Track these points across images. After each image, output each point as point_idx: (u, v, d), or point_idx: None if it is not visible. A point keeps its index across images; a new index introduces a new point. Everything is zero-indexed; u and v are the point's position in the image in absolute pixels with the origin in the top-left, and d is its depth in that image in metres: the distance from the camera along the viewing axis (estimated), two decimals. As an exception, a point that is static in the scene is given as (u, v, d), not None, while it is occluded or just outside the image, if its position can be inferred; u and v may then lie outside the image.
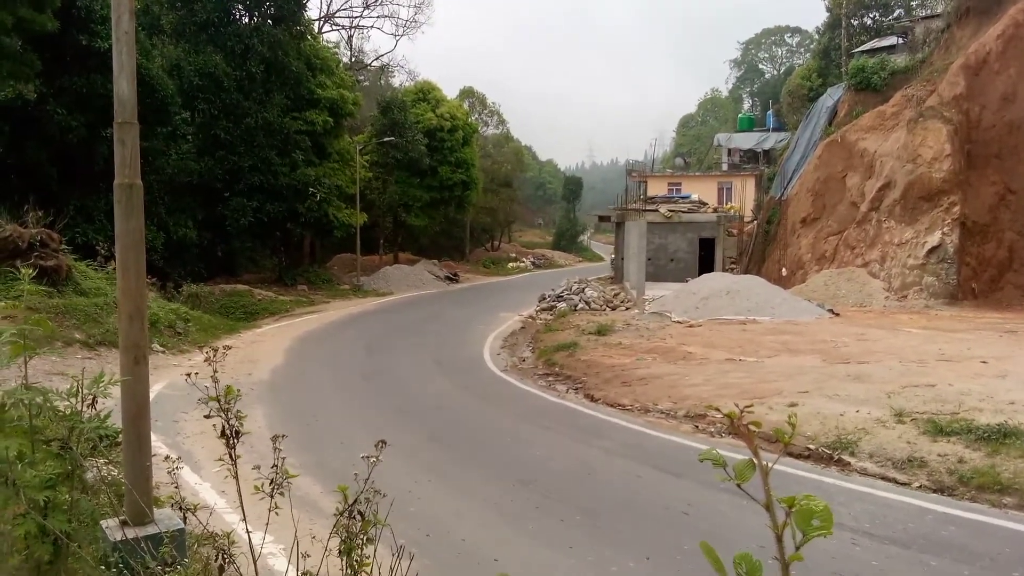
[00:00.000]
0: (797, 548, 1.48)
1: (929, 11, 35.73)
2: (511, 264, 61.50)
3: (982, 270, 24.19)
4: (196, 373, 3.22)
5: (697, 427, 10.61)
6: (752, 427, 1.58)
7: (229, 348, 3.48)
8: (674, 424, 10.92)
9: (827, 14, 45.21)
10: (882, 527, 6.63)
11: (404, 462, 8.64)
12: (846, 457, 8.63)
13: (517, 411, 12.27)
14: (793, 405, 10.24)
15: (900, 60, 31.36)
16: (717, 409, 1.66)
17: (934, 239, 24.05)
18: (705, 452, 1.57)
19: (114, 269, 16.77)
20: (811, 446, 8.97)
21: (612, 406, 12.20)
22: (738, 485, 1.56)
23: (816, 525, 1.47)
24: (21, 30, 19.80)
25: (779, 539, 1.52)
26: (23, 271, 3.75)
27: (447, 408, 12.58)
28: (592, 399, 12.88)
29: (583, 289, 28.46)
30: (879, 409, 9.91)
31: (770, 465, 1.57)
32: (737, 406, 1.63)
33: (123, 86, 4.08)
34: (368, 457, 2.91)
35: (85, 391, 3.59)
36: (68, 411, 3.66)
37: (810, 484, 7.67)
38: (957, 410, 9.54)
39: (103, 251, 18.23)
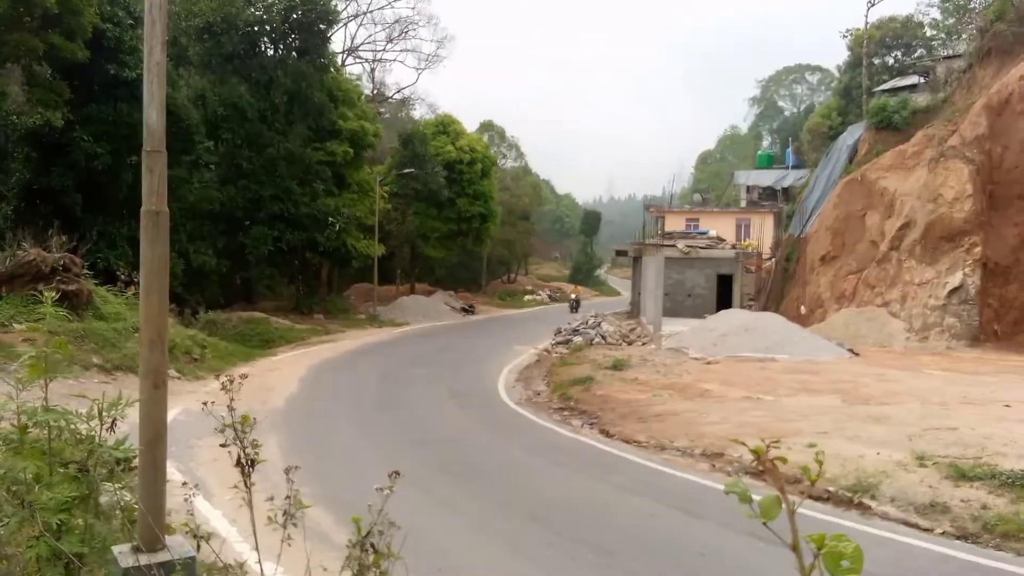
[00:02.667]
0: (825, 592, 1.44)
1: (951, 51, 35.75)
2: (527, 297, 61.49)
3: (1004, 312, 23.88)
4: (213, 402, 3.21)
5: (714, 466, 10.47)
6: (779, 462, 1.54)
7: (245, 376, 3.48)
8: (690, 462, 10.77)
9: (848, 53, 45.36)
10: (904, 574, 6.47)
11: (416, 495, 8.56)
12: (867, 500, 8.46)
13: (531, 445, 12.17)
14: (812, 446, 10.07)
15: (922, 99, 31.34)
16: (743, 443, 1.62)
17: (955, 280, 23.81)
18: (731, 484, 1.53)
19: (134, 294, 16.96)
20: (831, 488, 8.81)
21: (627, 442, 12.07)
22: (764, 524, 1.52)
23: (846, 567, 1.42)
24: (52, 58, 20.29)
25: (806, 583, 1.48)
26: (46, 295, 3.78)
27: (461, 441, 12.50)
28: (607, 435, 12.75)
29: (599, 323, 28.37)
30: (900, 452, 9.73)
31: (797, 504, 1.53)
32: (764, 441, 1.59)
33: (152, 116, 4.13)
34: (382, 488, 2.88)
35: (104, 414, 3.59)
36: (87, 434, 3.66)
37: (830, 527, 7.51)
38: (980, 454, 9.35)
39: (124, 276, 18.43)
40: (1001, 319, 23.84)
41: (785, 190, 48.70)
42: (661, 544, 7.40)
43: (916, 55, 41.07)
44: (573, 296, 47.59)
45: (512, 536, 7.57)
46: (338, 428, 13.20)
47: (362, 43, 51.73)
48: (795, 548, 1.49)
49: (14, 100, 23.07)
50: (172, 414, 12.53)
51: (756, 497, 1.52)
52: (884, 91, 35.47)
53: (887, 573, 6.43)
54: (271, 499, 2.88)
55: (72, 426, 3.68)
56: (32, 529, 3.41)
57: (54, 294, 3.80)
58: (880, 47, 42.02)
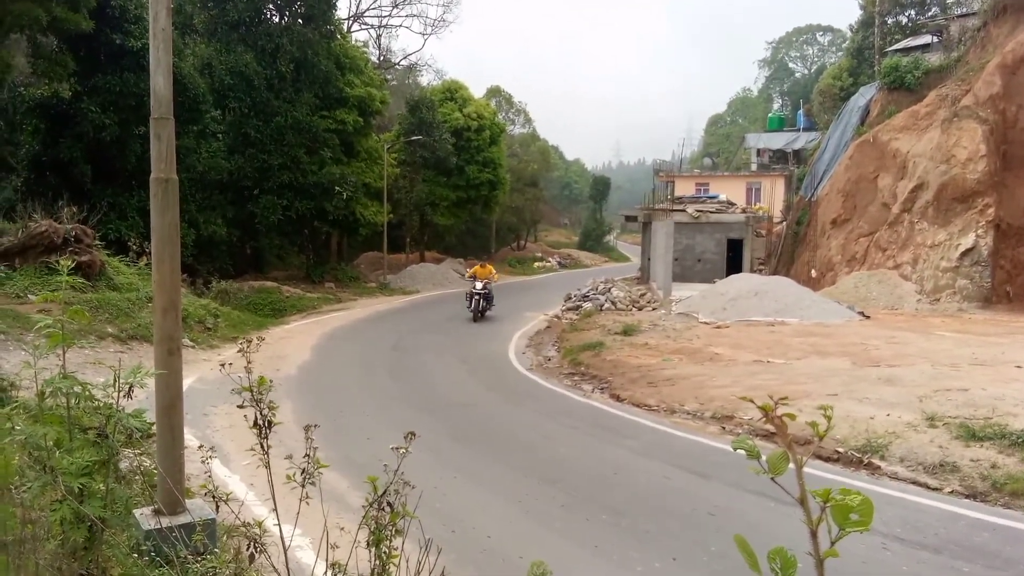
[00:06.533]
0: (833, 543, 1.47)
1: (965, 9, 35.09)
2: (537, 264, 61.44)
3: (1017, 273, 23.74)
4: (230, 364, 3.26)
5: (724, 428, 10.54)
6: (787, 418, 1.57)
7: (263, 339, 3.54)
8: (701, 425, 10.86)
9: (860, 12, 44.63)
10: (913, 532, 6.54)
11: (430, 459, 8.68)
12: (876, 461, 8.52)
13: (542, 410, 12.26)
14: (822, 408, 10.10)
15: (935, 59, 30.84)
16: (751, 400, 1.65)
17: (968, 241, 23.65)
18: (739, 440, 1.56)
19: (146, 265, 17.08)
20: (840, 449, 8.88)
21: (638, 406, 12.16)
22: (772, 479, 1.55)
23: (854, 520, 1.45)
24: (57, 29, 20.18)
25: (814, 534, 1.51)
26: (62, 263, 3.83)
27: (472, 406, 12.61)
28: (618, 399, 12.84)
29: (609, 289, 28.37)
30: (910, 413, 9.78)
31: (804, 458, 1.56)
32: (771, 398, 1.62)
33: (159, 82, 4.14)
34: (398, 448, 2.93)
35: (122, 381, 3.65)
36: (105, 400, 3.73)
37: (840, 486, 7.57)
38: (990, 415, 9.38)
39: (135, 247, 18.54)
40: (1013, 280, 23.71)
41: (796, 152, 48.30)
42: (672, 505, 7.49)
43: (930, 14, 40.35)
44: (479, 285, 24.80)
45: (525, 498, 7.68)
46: (351, 395, 13.33)
47: (367, 9, 51.31)
48: (802, 502, 1.52)
49: (21, 72, 23.04)
50: (187, 382, 12.68)
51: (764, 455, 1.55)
52: (897, 51, 34.91)
53: (896, 532, 6.50)
54: (289, 457, 2.94)
55: (89, 392, 3.75)
56: (55, 493, 3.49)
57: (69, 263, 3.84)
58: (893, 6, 41.29)
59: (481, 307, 24.43)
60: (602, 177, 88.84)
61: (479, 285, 24.66)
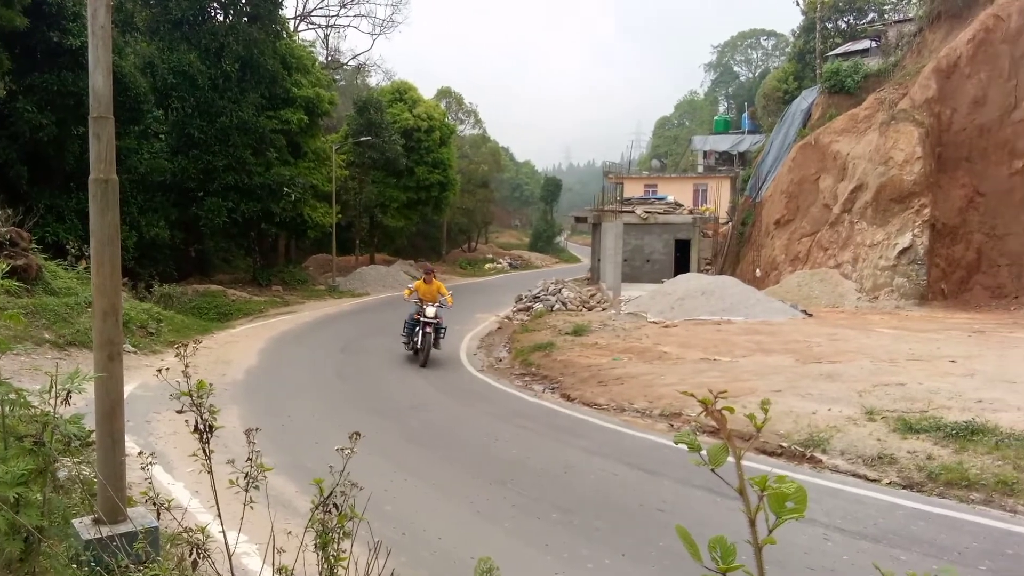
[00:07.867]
0: (770, 531, 1.51)
1: (902, 15, 36.22)
2: (488, 265, 61.47)
3: (951, 271, 24.60)
4: (167, 369, 3.20)
5: (672, 425, 10.70)
6: (726, 412, 1.61)
7: (200, 342, 3.48)
8: (649, 423, 10.99)
9: (802, 17, 45.72)
10: (853, 522, 6.73)
11: (379, 461, 8.62)
12: (818, 454, 8.75)
13: (493, 411, 12.28)
14: (762, 402, 10.32)
15: (873, 63, 31.81)
16: (692, 395, 1.68)
17: (905, 241, 24.42)
18: (681, 434, 1.59)
19: (84, 269, 16.47)
20: (784, 443, 9.09)
21: (588, 405, 12.26)
22: (712, 470, 1.59)
23: (790, 507, 1.50)
24: (-11, 26, 19.53)
25: (752, 523, 1.55)
26: (-4, 266, 3.71)
27: (423, 408, 12.55)
28: (568, 399, 12.93)
29: (560, 290, 28.55)
30: (850, 407, 10.06)
31: (743, 450, 1.60)
32: (711, 392, 1.66)
33: (98, 80, 4.04)
34: (343, 449, 2.92)
35: (60, 387, 3.55)
36: (41, 408, 3.62)
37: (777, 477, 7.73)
38: (926, 408, 9.71)
39: (74, 250, 17.98)
40: (948, 278, 24.57)
41: (741, 155, 49.24)
42: (622, 502, 7.57)
43: (868, 19, 41.56)
44: (431, 311, 16.60)
45: (476, 499, 7.68)
46: (300, 399, 13.15)
47: (314, 8, 50.77)
48: (741, 492, 1.57)
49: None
50: (129, 388, 12.38)
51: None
52: (837, 55, 35.89)
53: (837, 523, 6.68)
54: (231, 462, 2.90)
55: (24, 399, 3.65)
56: (-12, 503, 3.38)
57: (4, 267, 3.73)
58: (833, 11, 42.40)
59: (429, 343, 16.48)
60: (553, 178, 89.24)
61: (430, 311, 16.55)
